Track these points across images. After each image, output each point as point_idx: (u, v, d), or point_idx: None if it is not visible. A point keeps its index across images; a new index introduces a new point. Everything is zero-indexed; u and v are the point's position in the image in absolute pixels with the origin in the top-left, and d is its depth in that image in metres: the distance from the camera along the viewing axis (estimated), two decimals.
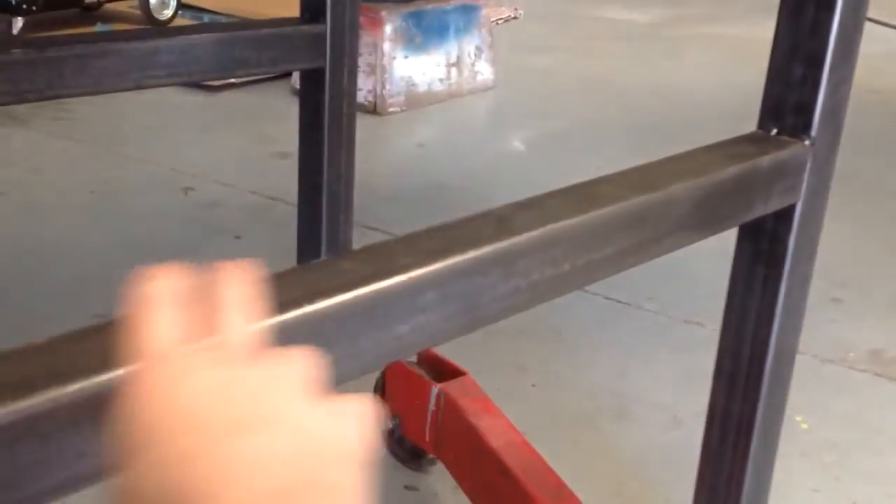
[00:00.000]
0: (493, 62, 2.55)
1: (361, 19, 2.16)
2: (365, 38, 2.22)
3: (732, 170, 0.69)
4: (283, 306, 0.45)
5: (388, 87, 2.24)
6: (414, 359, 1.00)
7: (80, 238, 1.53)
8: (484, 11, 2.52)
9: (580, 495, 0.85)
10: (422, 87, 2.33)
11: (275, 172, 1.83)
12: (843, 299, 1.49)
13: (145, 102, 2.21)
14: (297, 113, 1.10)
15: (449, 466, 0.95)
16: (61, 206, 1.63)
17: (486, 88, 2.51)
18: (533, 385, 1.22)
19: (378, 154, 2.01)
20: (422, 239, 0.55)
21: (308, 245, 1.12)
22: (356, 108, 1.11)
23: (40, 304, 1.31)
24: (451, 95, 2.41)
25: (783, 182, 0.73)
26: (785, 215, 0.75)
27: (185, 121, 2.14)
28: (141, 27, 0.92)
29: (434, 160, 2.03)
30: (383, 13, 2.22)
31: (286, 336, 0.41)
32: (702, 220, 0.68)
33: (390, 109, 2.25)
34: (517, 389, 1.19)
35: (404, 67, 2.28)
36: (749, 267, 0.77)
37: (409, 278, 0.50)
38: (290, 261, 1.25)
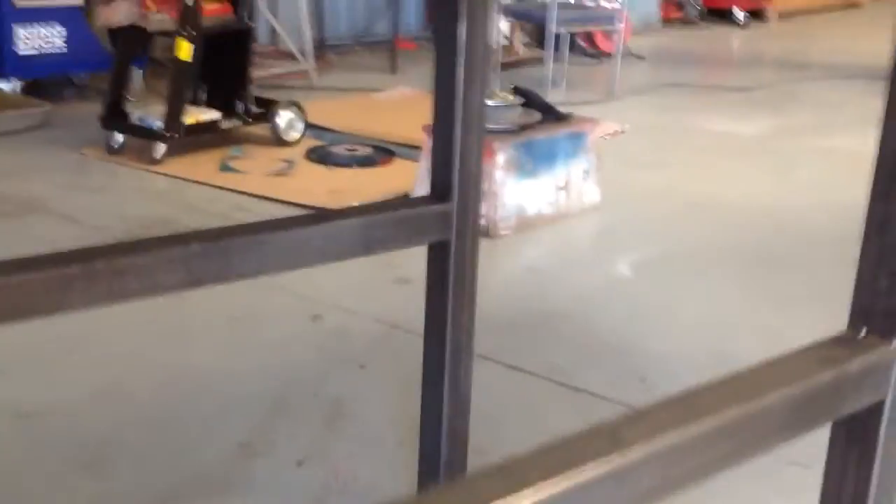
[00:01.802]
0: (600, 183, 2.65)
1: None
2: None
3: (822, 375, 0.77)
4: None
5: (499, 212, 2.37)
6: None
7: (220, 364, 1.68)
8: (591, 136, 2.64)
9: None
10: (531, 211, 2.45)
11: (396, 298, 1.96)
12: None
13: None
14: None
15: None
16: (204, 332, 1.78)
17: (593, 209, 2.61)
18: None
19: (489, 278, 2.13)
20: (540, 457, 0.64)
21: (431, 387, 1.23)
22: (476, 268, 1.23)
23: (188, 432, 1.45)
24: (560, 217, 2.52)
25: (870, 383, 0.81)
26: (874, 411, 0.82)
27: None
28: (297, 216, 1.06)
29: (543, 285, 2.13)
30: (496, 143, 2.36)
31: None
32: (794, 424, 0.76)
33: (502, 233, 2.37)
34: None
35: (515, 193, 2.41)
36: (842, 458, 0.84)
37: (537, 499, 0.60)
38: (412, 389, 1.35)
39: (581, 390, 1.62)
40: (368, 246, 1.10)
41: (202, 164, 2.82)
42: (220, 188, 2.65)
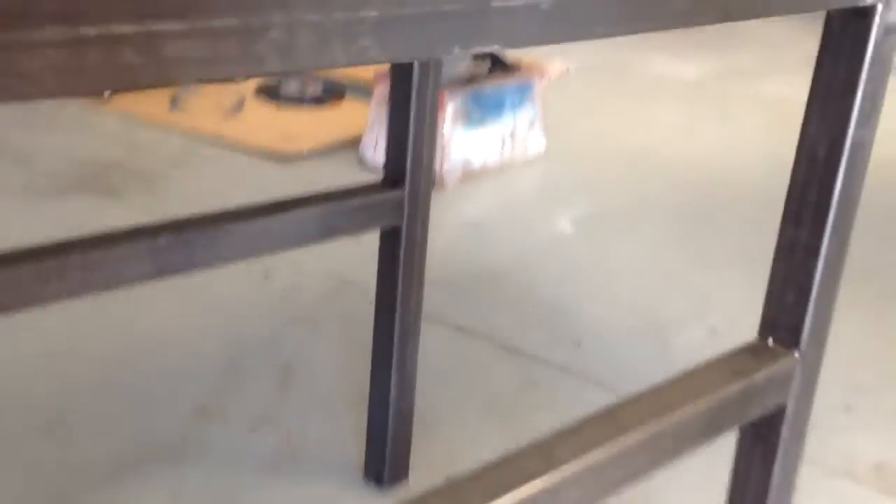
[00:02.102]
0: (545, 132, 2.72)
1: None
2: None
3: (733, 386, 0.86)
4: None
5: (446, 164, 2.43)
6: None
7: (174, 325, 1.73)
8: (538, 86, 2.69)
9: None
10: (477, 162, 2.52)
11: (347, 252, 2.02)
12: (855, 406, 1.65)
13: (226, 176, 2.43)
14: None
15: None
16: (158, 293, 1.83)
17: (537, 159, 2.69)
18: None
19: (434, 234, 2.20)
20: (480, 477, 0.72)
21: (381, 363, 1.31)
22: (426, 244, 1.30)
23: (143, 397, 1.52)
24: (505, 168, 2.59)
25: (774, 389, 0.90)
26: (777, 414, 0.92)
27: (257, 193, 2.34)
28: (257, 206, 1.10)
29: (488, 241, 2.21)
30: (446, 94, 2.41)
31: None
32: (707, 431, 0.85)
33: (448, 186, 2.44)
34: None
35: (462, 144, 2.47)
36: (747, 456, 0.94)
37: None
38: (363, 350, 1.42)
39: (520, 352, 1.71)
40: (325, 233, 1.17)
41: (152, 101, 2.82)
42: (169, 129, 2.67)
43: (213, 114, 2.80)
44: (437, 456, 1.40)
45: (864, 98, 0.85)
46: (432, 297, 1.84)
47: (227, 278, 1.89)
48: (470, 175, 2.50)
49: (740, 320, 1.36)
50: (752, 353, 0.92)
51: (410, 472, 1.35)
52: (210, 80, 2.84)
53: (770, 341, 0.93)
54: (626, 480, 0.79)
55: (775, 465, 0.94)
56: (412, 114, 1.21)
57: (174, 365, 1.59)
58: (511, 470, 0.73)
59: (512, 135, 2.62)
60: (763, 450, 0.94)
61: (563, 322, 1.84)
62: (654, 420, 0.81)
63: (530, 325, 1.82)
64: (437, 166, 2.37)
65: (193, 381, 1.55)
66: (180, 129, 2.67)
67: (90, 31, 0.38)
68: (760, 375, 0.89)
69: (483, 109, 2.53)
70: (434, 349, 1.66)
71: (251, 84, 3.05)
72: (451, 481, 0.71)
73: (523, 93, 2.64)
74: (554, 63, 3.46)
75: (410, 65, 1.19)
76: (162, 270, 1.06)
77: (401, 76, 1.21)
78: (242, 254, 1.12)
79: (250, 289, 1.86)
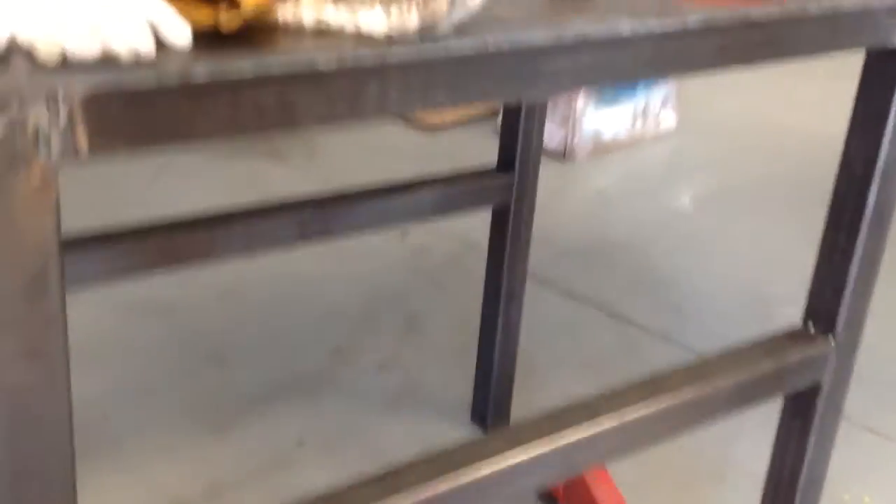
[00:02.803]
0: (677, 108, 2.83)
1: None
2: (562, 95, 2.57)
3: (770, 362, 1.02)
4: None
5: (577, 137, 2.58)
6: None
7: (320, 272, 1.98)
8: None
9: None
10: (608, 136, 2.66)
11: (476, 218, 2.22)
12: None
13: (375, 142, 2.66)
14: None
15: None
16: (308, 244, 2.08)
17: (668, 135, 2.80)
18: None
19: (560, 203, 2.37)
20: (545, 420, 0.91)
21: (488, 325, 1.52)
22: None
23: (292, 334, 1.77)
24: (635, 142, 2.72)
25: (812, 368, 1.05)
26: (814, 391, 1.07)
27: (404, 160, 2.57)
28: (384, 187, 1.32)
29: (609, 212, 2.36)
30: None
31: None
32: (741, 400, 1.01)
33: (578, 157, 2.60)
34: None
35: (594, 119, 2.62)
36: (788, 426, 1.10)
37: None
38: (476, 307, 1.62)
39: (624, 318, 1.88)
40: (440, 210, 1.37)
41: None
42: None
43: None
44: (535, 404, 1.60)
45: (895, 123, 0.98)
46: (547, 262, 2.03)
47: (369, 235, 2.12)
48: (600, 148, 2.65)
49: None
50: (792, 336, 1.07)
51: (511, 416, 1.55)
52: None
53: (810, 327, 1.08)
54: (661, 436, 0.97)
55: (811, 437, 1.09)
56: (522, 109, 1.39)
57: (317, 310, 1.84)
58: (558, 420, 0.91)
59: (644, 111, 2.74)
60: (801, 423, 1.09)
61: (670, 293, 1.99)
62: (689, 387, 0.98)
63: (638, 294, 1.98)
64: (567, 139, 2.54)
65: (332, 325, 1.80)
66: None
67: None
68: (796, 355, 1.04)
69: (617, 87, 2.66)
70: (543, 311, 1.85)
71: None
72: (531, 420, 0.89)
73: None
74: None
75: None
76: (305, 238, 1.29)
77: None
78: (370, 226, 1.34)
79: (388, 246, 2.09)
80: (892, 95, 0.96)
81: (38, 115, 0.54)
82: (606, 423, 0.92)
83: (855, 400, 1.66)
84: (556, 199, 2.40)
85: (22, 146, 0.54)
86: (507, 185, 1.41)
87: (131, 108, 0.56)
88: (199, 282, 1.89)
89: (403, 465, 0.83)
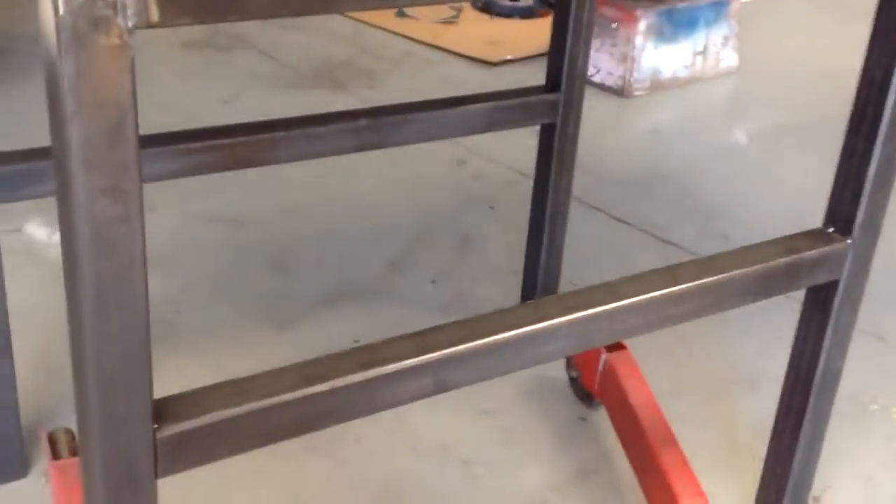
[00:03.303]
0: (739, 49, 2.85)
1: (618, 15, 2.56)
2: (620, 32, 2.62)
3: (786, 258, 1.09)
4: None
5: (635, 74, 2.63)
6: None
7: (379, 195, 2.09)
8: (734, 4, 2.82)
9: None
10: (667, 74, 2.70)
11: (529, 150, 2.30)
12: None
13: (435, 76, 2.74)
14: None
15: (607, 409, 1.42)
16: (369, 169, 2.19)
17: (728, 74, 2.83)
18: (690, 354, 1.65)
19: (615, 136, 2.43)
20: (568, 298, 1.00)
21: (534, 236, 1.60)
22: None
23: (350, 248, 1.88)
24: (694, 80, 2.76)
25: (830, 265, 1.12)
26: (833, 286, 1.13)
27: (464, 92, 2.64)
28: (439, 99, 1.40)
29: (663, 145, 2.42)
30: (638, 11, 2.60)
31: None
32: (757, 292, 1.08)
33: (636, 93, 2.65)
34: (674, 358, 1.62)
35: (653, 57, 2.66)
36: (808, 318, 1.16)
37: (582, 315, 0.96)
38: (526, 229, 1.71)
39: (669, 242, 1.95)
40: (492, 125, 1.46)
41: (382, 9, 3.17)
42: (394, 33, 3.01)
43: (433, 22, 3.11)
44: None
45: None
46: (600, 190, 2.10)
47: (429, 161, 2.22)
48: (658, 86, 2.69)
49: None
50: (811, 236, 1.13)
51: None
52: None
53: (830, 229, 1.14)
54: (679, 318, 1.04)
55: (828, 330, 1.16)
56: (569, 32, 1.46)
57: (377, 224, 1.95)
58: (581, 299, 0.99)
59: (704, 50, 2.77)
60: (820, 316, 1.16)
61: (718, 221, 2.05)
62: (709, 276, 1.05)
63: (685, 222, 2.04)
64: (626, 76, 2.59)
65: (390, 240, 1.90)
66: (403, 35, 3.00)
67: None
68: (813, 253, 1.10)
69: (675, 26, 2.70)
70: (592, 235, 1.93)
71: None
72: (578, 291, 0.97)
73: (718, 10, 2.78)
74: None
75: None
76: (362, 146, 1.38)
77: (563, 1, 1.46)
78: (425, 138, 1.43)
79: (446, 172, 2.18)
80: None
81: None
82: (628, 300, 1.00)
83: (888, 319, 1.72)
84: (610, 133, 2.46)
85: (102, 11, 0.64)
86: (554, 103, 1.49)
87: None
88: (264, 199, 2.01)
89: (443, 325, 0.92)
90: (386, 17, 3.12)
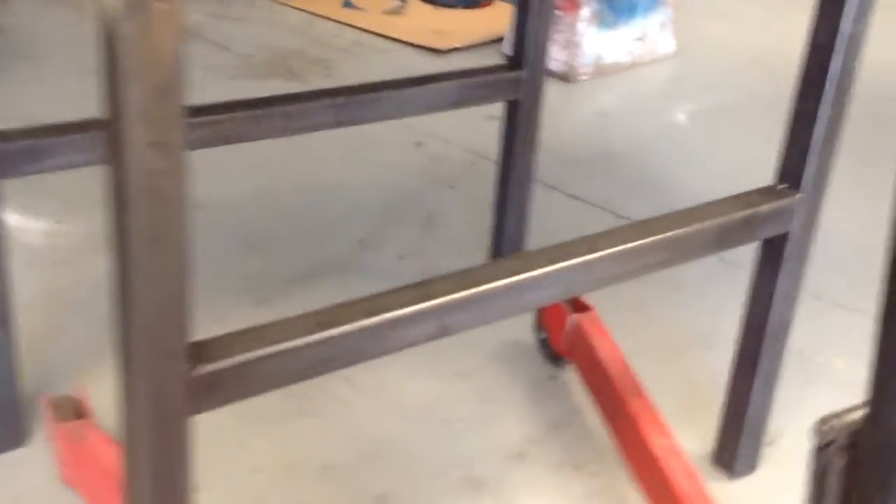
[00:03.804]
0: (675, 34, 2.98)
1: (562, 3, 2.65)
2: (564, 19, 2.72)
3: (743, 212, 1.19)
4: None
5: (579, 59, 2.74)
6: None
7: (343, 177, 2.16)
8: None
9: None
10: (609, 59, 2.81)
11: (484, 132, 2.39)
12: None
13: (388, 64, 2.82)
14: None
15: (576, 367, 1.51)
16: (331, 152, 2.25)
17: (666, 58, 2.96)
18: (650, 318, 1.75)
19: (564, 119, 2.53)
20: (550, 251, 1.08)
21: (501, 208, 1.69)
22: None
23: (319, 228, 1.95)
24: (635, 65, 2.88)
25: (781, 218, 1.22)
26: (783, 238, 1.24)
27: None
28: (410, 78, 1.47)
29: (610, 127, 2.53)
30: None
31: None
32: (718, 243, 1.18)
33: (581, 78, 2.75)
34: (634, 321, 1.73)
35: (595, 43, 2.77)
36: (762, 268, 1.27)
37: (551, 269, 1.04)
38: (490, 208, 1.80)
39: (623, 216, 2.05)
40: (460, 102, 1.54)
41: (328, 0, 3.23)
42: (342, 23, 3.07)
43: (380, 12, 3.18)
44: None
45: (853, 1, 1.14)
46: (555, 170, 2.20)
47: (389, 145, 2.29)
48: (601, 70, 2.80)
49: None
50: (764, 192, 1.24)
51: None
52: None
53: (781, 186, 1.24)
54: (648, 269, 1.14)
55: (780, 278, 1.26)
56: (532, 10, 1.54)
57: (344, 206, 2.02)
58: (562, 251, 1.08)
59: (643, 36, 2.89)
60: (772, 266, 1.27)
61: (667, 195, 2.16)
62: (674, 229, 1.15)
63: (636, 196, 2.15)
64: (570, 61, 2.69)
65: (357, 219, 1.97)
66: (351, 25, 3.07)
67: None
68: (766, 207, 1.21)
69: (616, 13, 2.81)
70: (550, 211, 2.02)
71: None
72: (530, 252, 1.06)
73: None
74: None
75: None
76: (340, 122, 1.45)
77: None
78: (399, 114, 1.51)
79: (406, 154, 2.25)
80: None
81: None
82: (606, 251, 1.09)
83: (828, 281, 1.85)
84: (559, 117, 2.56)
85: None
86: (517, 80, 1.58)
87: None
88: (232, 183, 2.06)
89: (432, 278, 1.00)
90: (333, 8, 3.18)
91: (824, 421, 0.64)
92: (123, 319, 0.80)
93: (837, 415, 0.65)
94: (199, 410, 0.85)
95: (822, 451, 0.64)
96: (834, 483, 0.63)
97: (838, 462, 0.63)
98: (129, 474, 0.86)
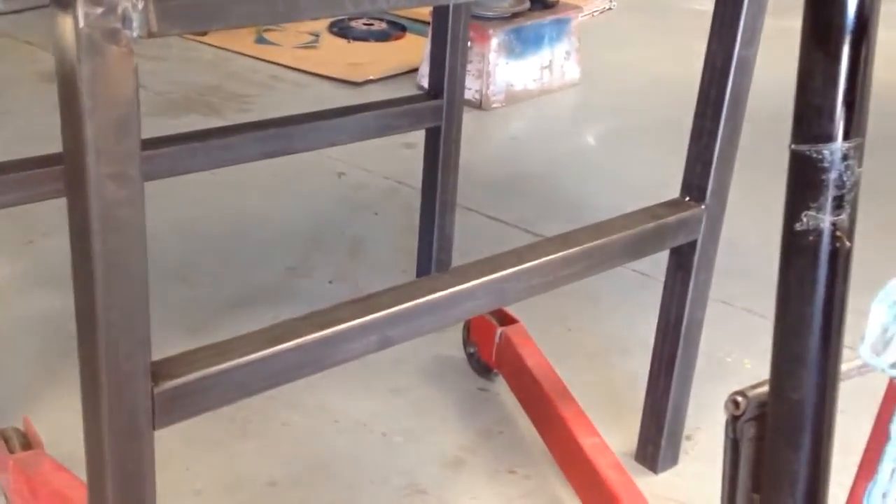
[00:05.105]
0: (580, 62, 3.11)
1: (472, 34, 2.76)
2: (475, 49, 2.83)
3: (653, 224, 1.29)
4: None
5: (491, 87, 2.84)
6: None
7: (268, 208, 2.21)
8: (574, 22, 3.08)
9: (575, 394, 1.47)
10: (518, 87, 2.93)
11: (403, 160, 2.47)
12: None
13: (305, 97, 2.88)
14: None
15: (505, 377, 1.59)
16: (254, 184, 2.30)
17: (572, 85, 3.09)
18: (569, 329, 1.84)
19: (479, 145, 2.63)
20: (482, 264, 1.16)
21: (426, 231, 1.76)
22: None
23: (247, 258, 2.00)
24: (543, 92, 3.00)
25: (688, 228, 1.33)
26: (692, 246, 1.34)
27: None
28: (335, 108, 1.54)
29: (523, 151, 2.63)
30: (490, 30, 2.82)
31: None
32: (633, 252, 1.28)
33: (493, 106, 2.86)
34: (555, 332, 1.82)
35: (505, 71, 2.88)
36: (673, 275, 1.37)
37: (484, 280, 1.12)
38: (414, 232, 1.87)
39: (539, 235, 2.15)
40: (384, 130, 1.62)
41: (241, 36, 3.28)
42: (258, 59, 3.13)
43: (294, 47, 3.25)
44: None
45: (745, 27, 1.25)
46: (472, 194, 2.29)
47: (311, 175, 2.35)
48: (511, 98, 2.91)
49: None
50: (671, 205, 1.34)
51: None
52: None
53: (686, 198, 1.35)
54: (572, 277, 1.23)
55: (690, 283, 1.37)
56: (448, 43, 1.63)
57: (271, 235, 2.07)
58: (493, 264, 1.16)
59: (549, 64, 3.02)
60: (682, 273, 1.37)
61: (578, 211, 2.27)
62: (594, 240, 1.24)
63: (551, 215, 2.25)
64: (482, 90, 2.79)
65: (285, 247, 2.02)
66: (266, 60, 3.12)
67: None
68: (674, 218, 1.31)
69: (523, 43, 2.93)
70: (470, 232, 2.11)
71: (325, 22, 3.48)
72: (462, 267, 1.14)
73: (560, 28, 3.04)
74: (594, 0, 3.83)
75: (447, 6, 1.62)
76: (266, 153, 1.52)
77: (440, 15, 1.64)
78: (326, 143, 1.58)
79: (328, 184, 2.32)
80: (741, 3, 1.23)
81: (124, 2, 0.76)
82: (532, 262, 1.17)
83: (735, 288, 1.97)
84: (473, 143, 2.65)
85: (113, 23, 0.76)
86: (438, 108, 1.66)
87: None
88: (158, 215, 2.09)
89: (375, 293, 1.07)
90: (248, 44, 3.23)
91: (734, 395, 0.73)
92: (87, 341, 0.85)
93: (745, 391, 0.74)
94: (163, 424, 0.90)
95: (735, 422, 0.73)
96: (747, 449, 0.72)
97: (749, 430, 0.72)
98: (93, 489, 0.90)
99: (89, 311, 0.84)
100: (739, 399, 0.72)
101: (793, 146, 0.64)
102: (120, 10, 0.76)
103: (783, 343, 0.68)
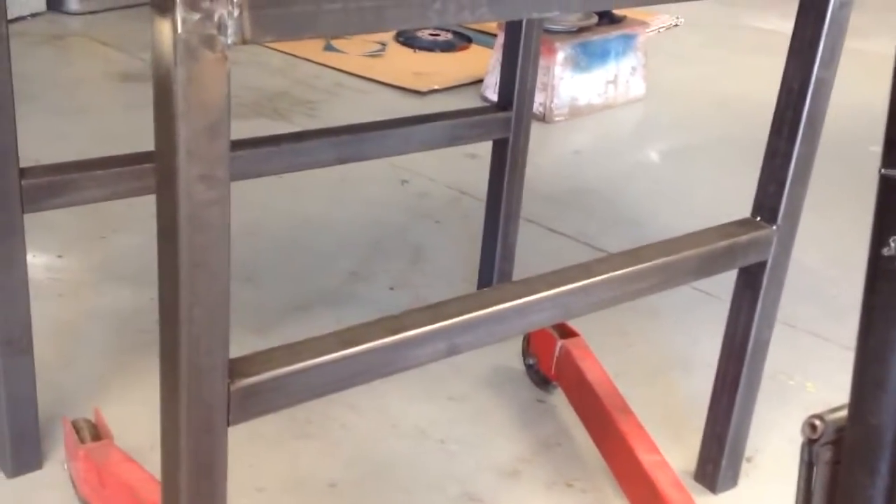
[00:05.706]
0: (646, 78, 3.11)
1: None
2: (541, 62, 2.83)
3: (723, 243, 1.28)
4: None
5: (555, 101, 2.85)
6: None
7: (332, 214, 2.24)
8: (641, 37, 3.08)
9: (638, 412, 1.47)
10: (583, 101, 2.93)
11: (466, 170, 2.48)
12: None
13: (370, 105, 2.91)
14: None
15: (564, 390, 1.59)
16: (319, 190, 2.33)
17: (637, 101, 3.08)
18: (630, 344, 1.84)
19: (541, 157, 2.64)
20: (549, 276, 1.17)
21: (489, 241, 1.77)
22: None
23: (311, 261, 2.02)
24: (607, 107, 3.00)
25: (758, 249, 1.32)
26: (761, 266, 1.33)
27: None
28: (406, 118, 1.57)
29: (585, 165, 2.63)
30: (557, 44, 2.82)
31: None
32: (701, 271, 1.28)
33: (556, 119, 2.86)
34: (615, 347, 1.81)
35: (570, 85, 2.88)
36: (741, 295, 1.36)
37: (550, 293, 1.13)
38: (475, 242, 1.88)
39: (601, 249, 2.15)
40: (452, 140, 1.63)
41: (310, 43, 3.33)
42: (325, 66, 3.17)
43: (360, 55, 3.29)
44: None
45: (824, 49, 1.24)
46: (533, 206, 2.30)
47: (375, 182, 2.37)
48: (576, 112, 2.92)
49: None
50: (742, 224, 1.33)
51: None
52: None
53: (757, 218, 1.34)
54: (639, 294, 1.23)
55: (758, 304, 1.36)
56: (520, 56, 1.64)
57: (334, 239, 2.10)
58: (560, 277, 1.17)
59: (615, 79, 3.01)
60: (751, 293, 1.36)
61: (641, 229, 2.27)
62: (663, 257, 1.24)
63: (610, 229, 2.25)
64: (546, 103, 2.80)
65: (347, 252, 2.05)
66: (333, 67, 3.16)
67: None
68: (745, 238, 1.31)
69: (589, 57, 2.93)
70: (530, 244, 2.11)
71: (392, 32, 3.52)
72: (528, 279, 1.15)
73: (627, 43, 3.03)
74: (661, 17, 3.82)
75: (520, 24, 1.63)
76: (341, 159, 1.54)
77: (513, 28, 1.65)
78: (395, 151, 1.59)
79: (392, 191, 2.34)
80: (822, 25, 1.22)
81: (221, 9, 0.78)
82: (600, 277, 1.18)
83: (800, 309, 1.95)
84: (536, 155, 2.66)
85: (210, 30, 0.78)
86: (507, 120, 1.67)
87: (277, 8, 0.81)
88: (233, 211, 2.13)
89: (444, 301, 1.08)
90: (315, 51, 3.27)
91: (812, 419, 0.73)
92: (169, 336, 0.88)
93: (822, 415, 0.74)
94: (237, 420, 0.92)
95: (811, 445, 0.73)
96: (822, 473, 0.72)
97: (825, 454, 0.72)
98: (167, 481, 0.93)
99: (173, 307, 0.86)
100: (817, 422, 0.71)
101: (883, 170, 0.64)
102: (216, 17, 0.78)
103: (864, 367, 0.68)
